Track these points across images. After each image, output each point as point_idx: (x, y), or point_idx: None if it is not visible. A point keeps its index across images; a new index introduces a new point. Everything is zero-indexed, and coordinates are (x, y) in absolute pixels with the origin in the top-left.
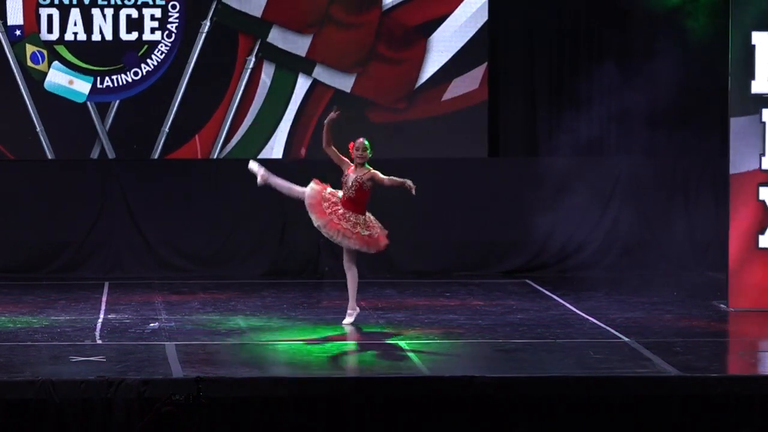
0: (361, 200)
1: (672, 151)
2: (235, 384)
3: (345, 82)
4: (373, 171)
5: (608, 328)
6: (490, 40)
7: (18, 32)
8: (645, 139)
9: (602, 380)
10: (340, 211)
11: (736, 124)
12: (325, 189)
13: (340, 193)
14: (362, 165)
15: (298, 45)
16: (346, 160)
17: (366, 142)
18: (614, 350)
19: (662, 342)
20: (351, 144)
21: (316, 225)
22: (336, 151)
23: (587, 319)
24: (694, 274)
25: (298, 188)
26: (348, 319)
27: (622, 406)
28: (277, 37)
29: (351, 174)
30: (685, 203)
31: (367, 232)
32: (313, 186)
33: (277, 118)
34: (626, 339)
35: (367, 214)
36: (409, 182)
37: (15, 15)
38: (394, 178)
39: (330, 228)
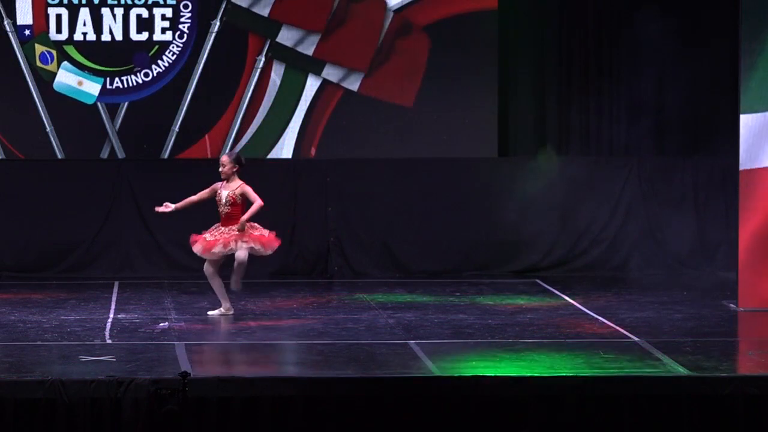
0: (236, 214)
1: (682, 149)
2: (244, 383)
3: (353, 82)
4: (244, 185)
5: (618, 327)
6: (500, 40)
7: (27, 32)
8: (655, 137)
9: (612, 380)
10: (223, 229)
11: (745, 121)
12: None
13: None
14: (231, 180)
15: (307, 44)
16: (208, 189)
17: (227, 158)
18: (624, 350)
19: (672, 342)
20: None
21: (216, 252)
22: (200, 195)
23: (597, 318)
24: (703, 274)
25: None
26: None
27: (631, 405)
28: (286, 36)
29: (222, 191)
30: (695, 202)
31: (257, 233)
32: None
33: (286, 118)
34: (636, 339)
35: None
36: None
37: (24, 14)
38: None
39: (225, 243)
